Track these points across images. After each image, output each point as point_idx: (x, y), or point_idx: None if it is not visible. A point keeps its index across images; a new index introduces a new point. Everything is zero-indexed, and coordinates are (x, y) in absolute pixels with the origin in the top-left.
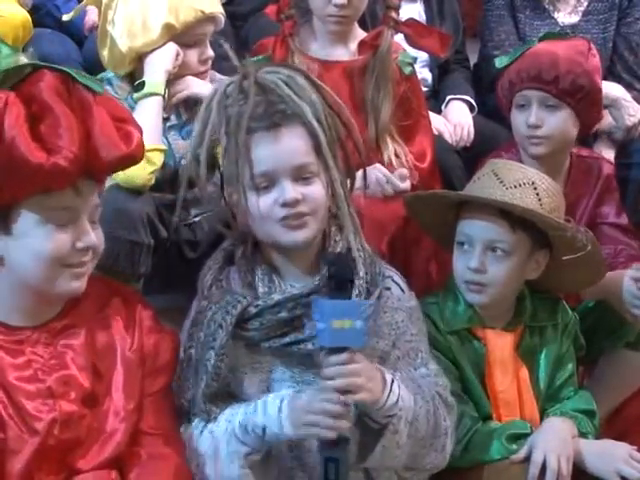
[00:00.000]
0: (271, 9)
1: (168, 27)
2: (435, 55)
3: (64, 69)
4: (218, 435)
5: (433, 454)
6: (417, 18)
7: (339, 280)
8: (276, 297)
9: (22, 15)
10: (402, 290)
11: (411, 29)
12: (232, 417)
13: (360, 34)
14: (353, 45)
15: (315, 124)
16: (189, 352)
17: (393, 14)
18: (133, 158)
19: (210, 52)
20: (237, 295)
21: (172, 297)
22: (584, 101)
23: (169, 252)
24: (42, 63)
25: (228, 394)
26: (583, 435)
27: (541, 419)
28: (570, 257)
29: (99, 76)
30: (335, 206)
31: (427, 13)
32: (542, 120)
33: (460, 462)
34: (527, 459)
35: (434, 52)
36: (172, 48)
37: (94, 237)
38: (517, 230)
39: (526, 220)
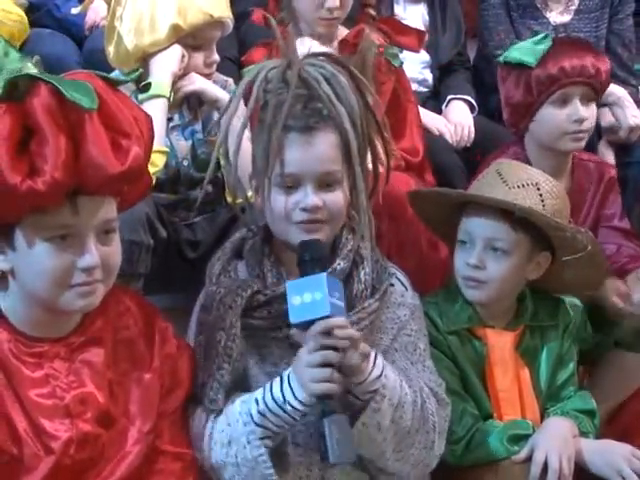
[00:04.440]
0: (257, 15)
1: (175, 28)
2: (412, 51)
3: (55, 83)
4: (232, 417)
5: (423, 451)
6: (421, 20)
7: (306, 262)
8: None
9: (16, 14)
10: (405, 287)
11: (388, 26)
12: (248, 397)
13: (341, 33)
14: (335, 44)
15: (350, 131)
16: (199, 338)
17: (370, 11)
18: (129, 175)
19: (216, 56)
20: (248, 281)
21: (172, 297)
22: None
23: (169, 252)
24: (38, 74)
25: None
26: (584, 435)
27: (541, 419)
28: (570, 257)
29: None
30: (355, 212)
31: (430, 15)
32: (587, 114)
33: (461, 461)
34: (529, 459)
35: (411, 49)
36: (178, 50)
37: (95, 257)
38: (518, 230)
39: (527, 220)
